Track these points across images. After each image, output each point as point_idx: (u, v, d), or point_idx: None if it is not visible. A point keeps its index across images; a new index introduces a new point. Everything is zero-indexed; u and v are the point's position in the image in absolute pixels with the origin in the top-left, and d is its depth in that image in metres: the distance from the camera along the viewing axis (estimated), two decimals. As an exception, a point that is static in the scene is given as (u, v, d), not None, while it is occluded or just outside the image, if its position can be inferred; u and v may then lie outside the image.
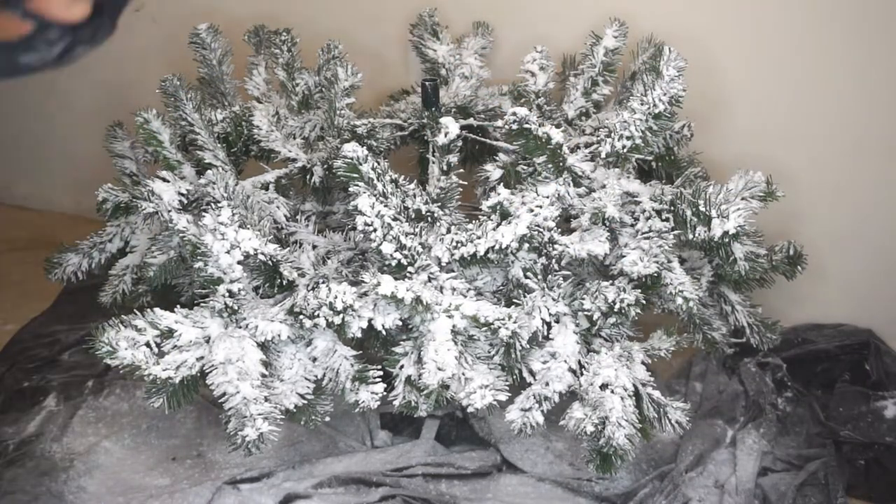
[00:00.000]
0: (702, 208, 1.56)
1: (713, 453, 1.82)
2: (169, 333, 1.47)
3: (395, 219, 1.53)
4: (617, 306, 1.53)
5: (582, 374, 1.56)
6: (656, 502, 1.70)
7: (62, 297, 2.33)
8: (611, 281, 1.59)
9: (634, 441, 1.50)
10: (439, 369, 1.47)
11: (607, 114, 1.89)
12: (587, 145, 1.74)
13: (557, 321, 1.60)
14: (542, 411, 1.54)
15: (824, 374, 2.05)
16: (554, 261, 1.62)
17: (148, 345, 1.46)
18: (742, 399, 1.97)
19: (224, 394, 1.46)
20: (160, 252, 1.78)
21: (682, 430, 1.59)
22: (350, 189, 1.53)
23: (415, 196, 1.61)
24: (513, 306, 1.59)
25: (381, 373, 1.56)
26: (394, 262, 1.53)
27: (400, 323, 1.55)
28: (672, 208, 1.62)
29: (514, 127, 1.57)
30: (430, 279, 1.54)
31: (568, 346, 1.57)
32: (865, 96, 2.02)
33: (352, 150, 1.53)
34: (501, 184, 1.69)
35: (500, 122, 1.59)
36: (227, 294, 1.49)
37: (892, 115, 2.01)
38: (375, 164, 1.54)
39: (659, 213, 1.64)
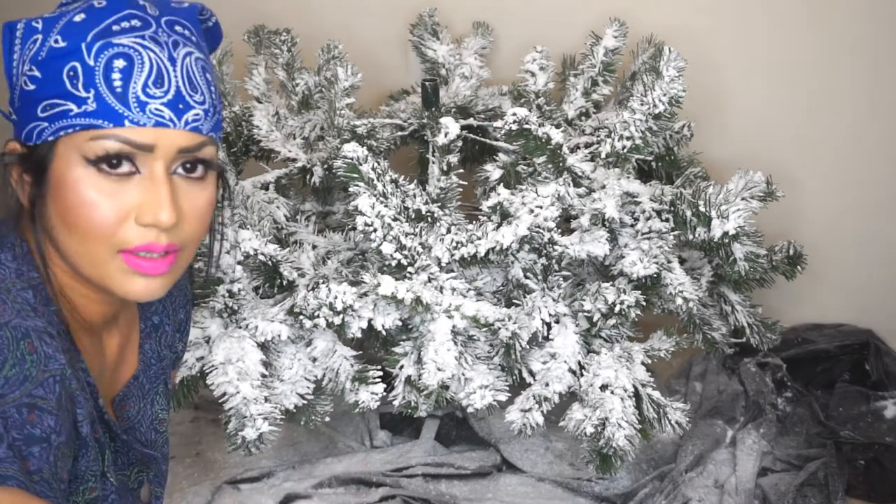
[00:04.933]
0: (702, 209, 1.56)
1: (713, 453, 1.82)
2: (169, 334, 1.47)
3: (395, 219, 1.52)
4: (617, 308, 1.53)
5: (582, 374, 1.56)
6: (656, 502, 1.70)
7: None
8: (611, 281, 1.59)
9: (634, 442, 1.50)
10: (439, 369, 1.47)
11: (607, 114, 1.89)
12: (587, 145, 1.74)
13: (557, 322, 1.59)
14: (542, 412, 1.54)
15: (824, 374, 2.05)
16: (554, 261, 1.62)
17: (148, 345, 1.46)
18: (742, 399, 1.97)
19: (224, 394, 1.46)
20: (160, 252, 1.77)
21: (682, 430, 1.59)
22: (350, 189, 1.52)
23: (415, 196, 1.61)
24: (513, 307, 1.59)
25: (380, 373, 1.56)
26: (394, 263, 1.53)
27: (400, 323, 1.55)
28: (672, 208, 1.62)
29: (514, 127, 1.57)
30: (430, 279, 1.54)
31: (568, 346, 1.57)
32: (865, 97, 2.02)
33: (352, 150, 1.52)
34: (501, 184, 1.68)
35: (499, 123, 1.58)
36: (227, 294, 1.49)
37: (893, 114, 2.01)
38: (375, 164, 1.54)
39: (659, 213, 1.64)
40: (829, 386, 2.01)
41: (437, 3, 2.16)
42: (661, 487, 1.73)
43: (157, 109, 0.76)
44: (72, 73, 0.75)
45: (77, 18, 0.77)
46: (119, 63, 0.75)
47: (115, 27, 0.76)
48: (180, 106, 0.77)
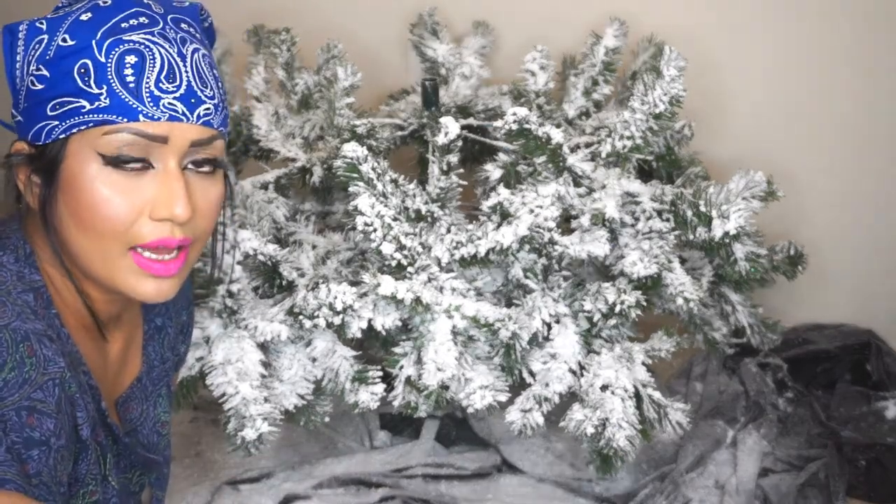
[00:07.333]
0: (702, 208, 1.56)
1: (714, 454, 1.82)
2: (168, 334, 1.47)
3: (395, 219, 1.52)
4: (617, 308, 1.53)
5: (582, 375, 1.55)
6: (657, 503, 1.70)
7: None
8: (611, 281, 1.59)
9: (635, 442, 1.50)
10: (439, 370, 1.47)
11: (608, 113, 1.89)
12: (587, 145, 1.73)
13: (558, 322, 1.59)
14: (543, 412, 1.54)
15: (825, 374, 2.05)
16: (554, 261, 1.61)
17: (147, 345, 1.45)
18: (743, 399, 1.97)
19: (223, 394, 1.46)
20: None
21: (683, 430, 1.59)
22: (350, 189, 1.52)
23: (415, 196, 1.61)
24: (513, 307, 1.58)
25: (380, 373, 1.55)
26: (394, 263, 1.52)
27: (400, 323, 1.54)
28: (672, 208, 1.62)
29: (514, 127, 1.56)
30: (429, 279, 1.54)
31: (568, 346, 1.56)
32: (866, 96, 2.02)
33: (352, 150, 1.52)
34: (501, 184, 1.68)
35: (499, 122, 1.58)
36: (226, 294, 1.49)
37: (893, 114, 2.01)
38: (375, 164, 1.53)
39: (659, 213, 1.63)
40: (829, 386, 2.01)
41: (437, 3, 2.15)
42: (662, 488, 1.73)
43: (170, 104, 0.76)
44: (83, 71, 0.75)
45: (84, 17, 0.77)
46: (131, 59, 0.75)
47: (123, 24, 0.77)
48: (192, 100, 0.78)
